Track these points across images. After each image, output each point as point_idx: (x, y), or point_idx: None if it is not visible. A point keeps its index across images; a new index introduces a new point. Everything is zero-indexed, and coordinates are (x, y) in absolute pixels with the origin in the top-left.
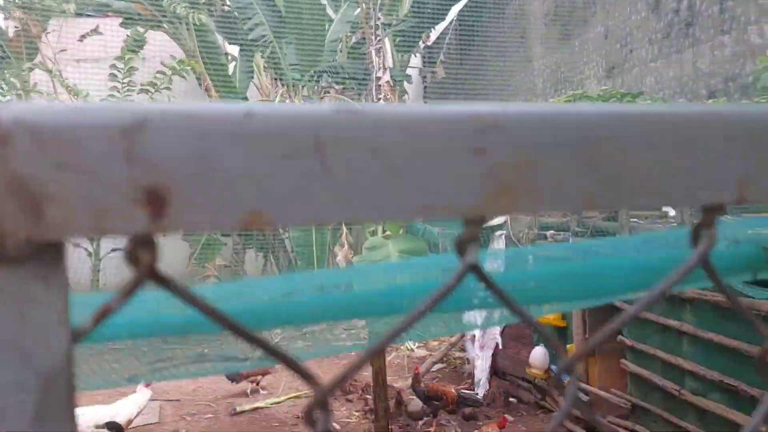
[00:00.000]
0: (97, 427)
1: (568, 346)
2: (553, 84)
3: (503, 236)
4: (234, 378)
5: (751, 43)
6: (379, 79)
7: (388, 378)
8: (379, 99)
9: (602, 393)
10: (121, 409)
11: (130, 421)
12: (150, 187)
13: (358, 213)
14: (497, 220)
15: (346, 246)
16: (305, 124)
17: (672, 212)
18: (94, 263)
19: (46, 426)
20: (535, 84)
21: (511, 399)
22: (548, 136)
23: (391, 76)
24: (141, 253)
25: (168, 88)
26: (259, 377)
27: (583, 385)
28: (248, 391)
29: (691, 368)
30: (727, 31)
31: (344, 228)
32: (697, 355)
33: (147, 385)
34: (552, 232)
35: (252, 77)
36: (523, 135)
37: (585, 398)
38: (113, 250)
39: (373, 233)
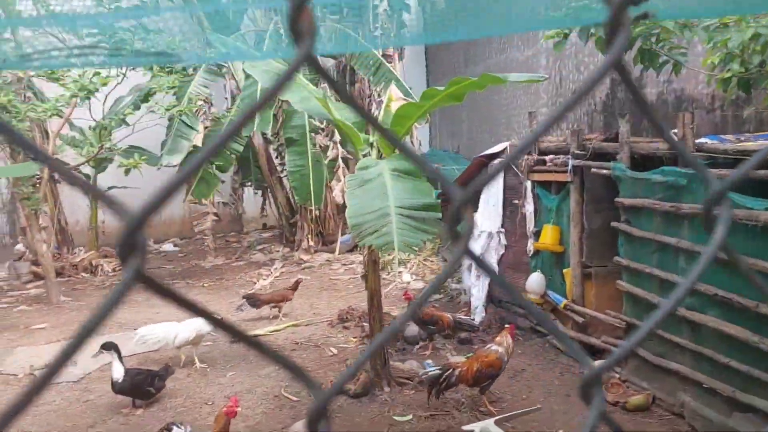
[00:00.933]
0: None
1: (564, 270)
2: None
3: None
4: (255, 303)
5: None
6: (376, 7)
7: (385, 308)
8: (376, 28)
9: (598, 314)
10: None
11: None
12: None
13: None
14: (497, 148)
15: (342, 180)
16: None
17: None
18: (91, 200)
19: None
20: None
21: (506, 325)
22: None
23: (389, 5)
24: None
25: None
26: (281, 304)
27: (579, 308)
28: (271, 316)
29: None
30: None
31: (340, 162)
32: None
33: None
34: (551, 156)
35: (246, 10)
36: None
37: (580, 320)
38: (110, 188)
39: (365, 156)
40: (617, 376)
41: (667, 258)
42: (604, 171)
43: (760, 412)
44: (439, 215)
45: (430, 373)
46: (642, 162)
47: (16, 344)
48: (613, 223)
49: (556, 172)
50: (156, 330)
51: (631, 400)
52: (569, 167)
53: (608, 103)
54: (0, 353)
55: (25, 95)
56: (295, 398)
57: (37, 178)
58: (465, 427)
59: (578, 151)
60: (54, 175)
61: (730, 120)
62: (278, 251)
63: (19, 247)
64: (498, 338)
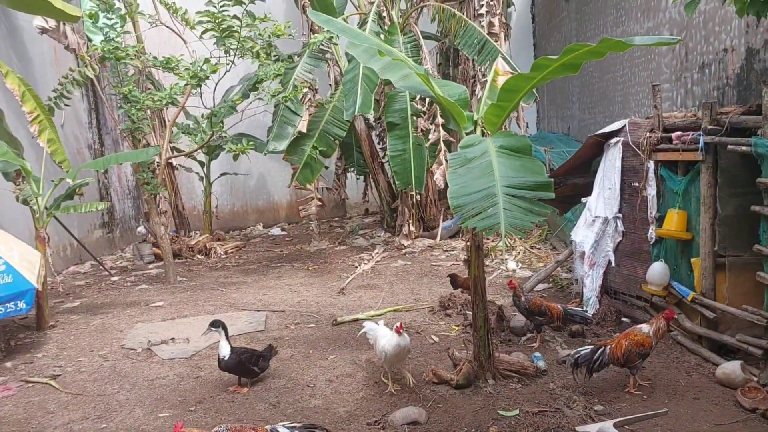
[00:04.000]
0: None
1: (692, 260)
2: None
3: (620, 143)
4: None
5: None
6: None
7: (489, 296)
8: (481, 6)
9: (732, 309)
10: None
11: None
12: None
13: None
14: (614, 126)
15: (444, 164)
16: None
17: None
18: (205, 186)
19: None
20: None
21: (624, 319)
22: None
23: None
24: None
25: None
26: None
27: (709, 302)
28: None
29: None
30: None
31: (442, 145)
32: None
33: None
34: (679, 133)
35: None
36: None
37: (711, 315)
38: (222, 174)
39: (469, 134)
40: (755, 379)
41: None
42: (743, 148)
43: None
44: (552, 196)
45: (581, 352)
46: None
47: (136, 320)
48: (754, 207)
49: (684, 150)
50: (377, 330)
51: None
52: (700, 145)
53: (743, 76)
54: (123, 328)
55: (144, 86)
56: (396, 386)
57: (156, 164)
58: (579, 428)
59: (711, 127)
60: (171, 161)
61: None
62: (379, 236)
63: (141, 229)
64: (652, 320)
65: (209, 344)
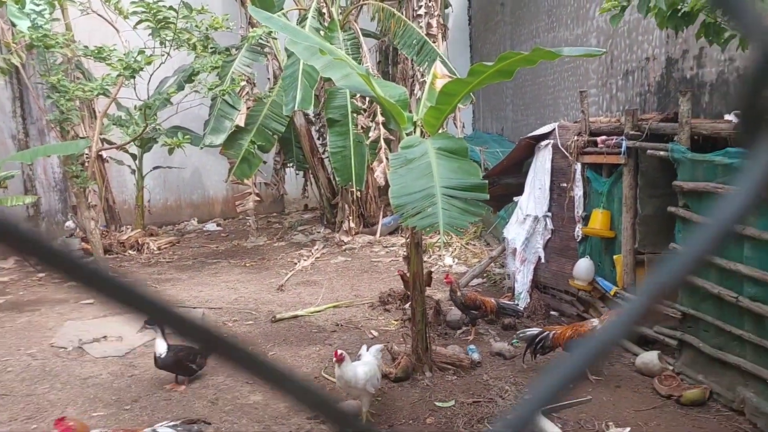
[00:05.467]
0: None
1: (615, 256)
2: None
3: (550, 146)
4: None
5: None
6: None
7: (427, 291)
8: (420, 7)
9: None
10: None
11: None
12: None
13: None
14: (544, 129)
15: (384, 162)
16: None
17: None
18: (138, 180)
19: None
20: None
21: (552, 312)
22: None
23: None
24: None
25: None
26: None
27: (630, 296)
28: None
29: (752, 274)
30: None
31: (382, 143)
32: (761, 260)
33: None
34: (603, 137)
35: None
36: None
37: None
38: (155, 167)
39: (409, 135)
40: (671, 367)
41: (730, 246)
42: (662, 153)
43: None
44: (486, 197)
45: (527, 333)
46: (702, 143)
47: (66, 318)
48: (670, 208)
49: (608, 154)
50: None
51: (686, 394)
52: (623, 149)
53: (663, 83)
54: (51, 326)
55: (73, 75)
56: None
57: (86, 157)
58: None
59: (633, 132)
60: (102, 153)
61: None
62: (319, 232)
63: (69, 224)
64: (603, 317)
65: (143, 342)
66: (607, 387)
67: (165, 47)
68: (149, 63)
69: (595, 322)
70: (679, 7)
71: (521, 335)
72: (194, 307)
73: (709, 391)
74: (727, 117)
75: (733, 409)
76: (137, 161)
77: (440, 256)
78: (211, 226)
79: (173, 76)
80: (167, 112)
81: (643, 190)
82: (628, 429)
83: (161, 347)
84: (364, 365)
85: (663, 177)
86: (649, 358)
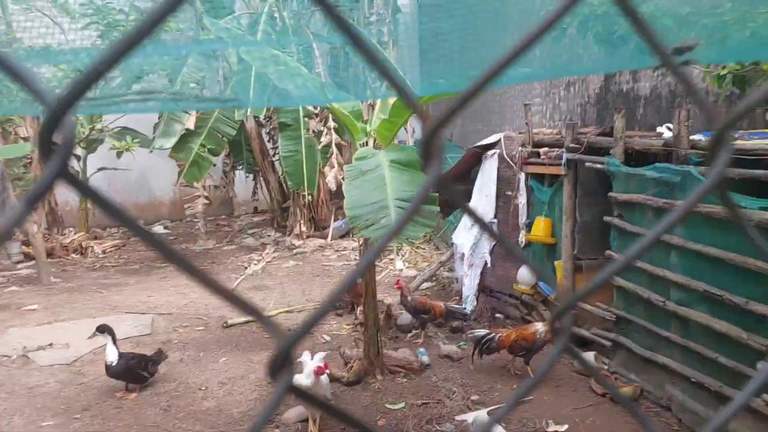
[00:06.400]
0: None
1: (556, 262)
2: None
3: (496, 155)
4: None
5: None
6: None
7: (378, 295)
8: (372, 14)
9: (588, 306)
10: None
11: None
12: None
13: None
14: (491, 139)
15: (336, 167)
16: None
17: (666, 132)
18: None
19: None
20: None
21: (497, 315)
22: None
23: None
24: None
25: None
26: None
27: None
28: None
29: (677, 280)
30: None
31: (334, 148)
32: (685, 267)
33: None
34: (546, 149)
35: None
36: None
37: (573, 311)
38: (100, 168)
39: (364, 145)
40: (606, 367)
41: (658, 254)
42: (598, 165)
43: (746, 407)
44: (437, 208)
45: (476, 334)
46: (635, 157)
47: (8, 325)
48: (606, 218)
49: (550, 165)
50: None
51: (620, 392)
52: (563, 161)
53: (601, 95)
54: None
55: None
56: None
57: (28, 159)
58: (458, 417)
59: (572, 145)
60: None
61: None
62: (269, 236)
63: None
64: (546, 322)
65: (92, 349)
66: (548, 387)
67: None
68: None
69: (538, 326)
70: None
71: (470, 335)
72: (143, 313)
73: (640, 389)
74: (659, 129)
75: (662, 405)
76: (81, 162)
77: (391, 260)
78: (158, 229)
79: (119, 75)
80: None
81: (581, 199)
82: (566, 426)
83: (112, 355)
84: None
85: (600, 188)
86: (586, 358)
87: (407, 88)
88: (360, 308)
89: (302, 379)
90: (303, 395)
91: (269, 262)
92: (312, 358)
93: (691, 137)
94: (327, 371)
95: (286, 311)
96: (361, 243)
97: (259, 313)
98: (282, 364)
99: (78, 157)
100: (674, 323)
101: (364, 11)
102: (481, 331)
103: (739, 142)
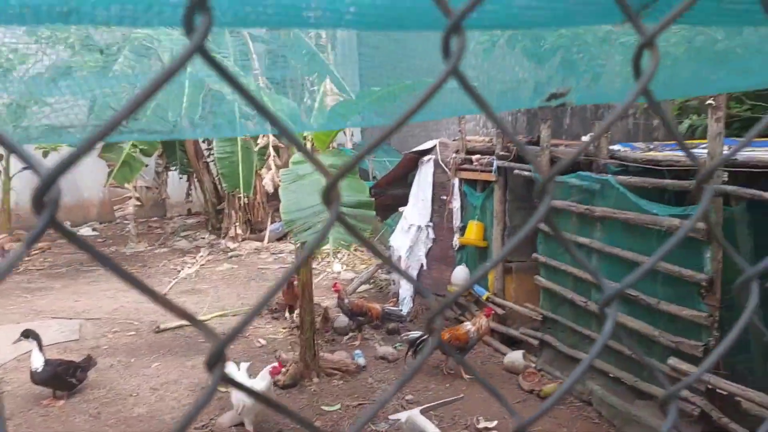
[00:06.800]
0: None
1: None
2: None
3: (432, 161)
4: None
5: None
6: None
7: (315, 298)
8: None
9: (517, 307)
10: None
11: None
12: None
13: None
14: (427, 145)
15: (273, 169)
16: None
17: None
18: (4, 181)
19: None
20: None
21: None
22: None
23: None
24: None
25: None
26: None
27: (500, 300)
28: None
29: (597, 281)
30: None
31: (271, 150)
32: (604, 270)
33: None
34: (478, 156)
35: None
36: None
37: (501, 312)
38: (24, 168)
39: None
40: (533, 365)
41: (581, 257)
42: (526, 173)
43: (659, 399)
44: (373, 213)
45: (410, 336)
46: None
47: None
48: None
49: (482, 171)
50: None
51: (545, 389)
52: (494, 167)
53: None
54: None
55: None
56: (222, 389)
57: None
58: (391, 416)
59: (502, 153)
60: None
61: (641, 127)
62: (203, 238)
63: None
64: (474, 319)
65: (16, 356)
66: (479, 385)
67: (41, 45)
68: (23, 62)
69: (468, 325)
70: (541, 43)
71: (404, 337)
72: (70, 318)
73: None
74: (584, 138)
75: (583, 400)
76: (3, 162)
77: (329, 263)
78: (86, 231)
79: (45, 72)
80: (41, 111)
81: (511, 204)
82: (496, 422)
83: (38, 361)
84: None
85: (528, 193)
86: (515, 357)
87: (289, 128)
88: (297, 311)
89: (257, 382)
90: (236, 384)
91: (203, 265)
92: (239, 369)
93: (610, 147)
94: (283, 369)
95: (221, 315)
96: (298, 246)
97: (191, 316)
98: (216, 362)
99: (0, 156)
100: (595, 322)
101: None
102: (416, 333)
103: (652, 153)
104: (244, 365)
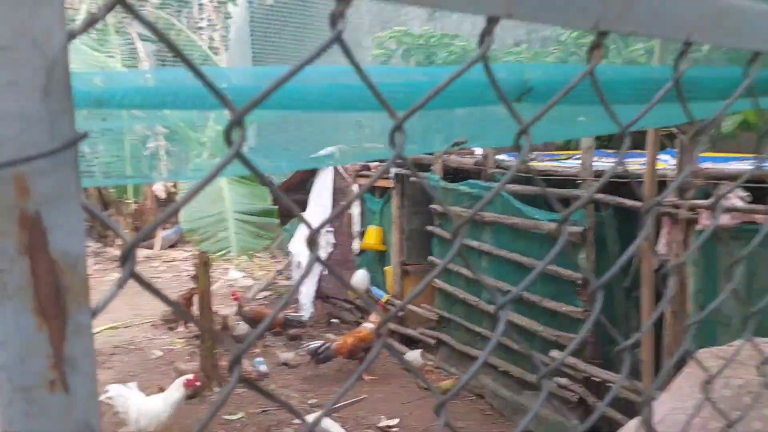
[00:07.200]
0: None
1: (386, 268)
2: (380, 22)
3: (331, 167)
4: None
5: None
6: None
7: (214, 306)
8: (201, 19)
9: (414, 308)
10: None
11: None
12: None
13: None
14: (326, 151)
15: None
16: None
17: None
18: None
19: (52, 100)
20: (363, 21)
21: (333, 320)
22: None
23: None
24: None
25: None
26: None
27: (398, 302)
28: None
29: (487, 282)
30: None
31: (164, 156)
32: (493, 270)
33: None
34: (376, 163)
35: None
36: None
37: (400, 314)
38: None
39: (197, 156)
40: (431, 363)
41: (472, 259)
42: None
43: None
44: (277, 221)
45: (310, 346)
46: (454, 173)
47: None
48: (428, 227)
49: (380, 178)
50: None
51: (442, 385)
52: (392, 174)
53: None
54: None
55: None
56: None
57: None
58: (297, 421)
59: (400, 161)
60: None
61: None
62: (89, 247)
63: None
64: (371, 317)
65: None
66: (381, 384)
67: None
68: None
69: (369, 326)
70: (432, 60)
71: (305, 347)
72: None
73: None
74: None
75: (477, 394)
76: None
77: (226, 270)
78: None
79: None
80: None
81: (408, 210)
82: (397, 420)
83: None
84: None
85: (424, 200)
86: (413, 356)
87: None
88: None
89: (171, 394)
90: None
91: (90, 275)
92: (128, 387)
93: (496, 157)
94: (197, 383)
95: (112, 327)
96: (194, 254)
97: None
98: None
99: None
100: (486, 320)
101: (194, 15)
102: (315, 343)
103: (533, 162)
104: (132, 384)
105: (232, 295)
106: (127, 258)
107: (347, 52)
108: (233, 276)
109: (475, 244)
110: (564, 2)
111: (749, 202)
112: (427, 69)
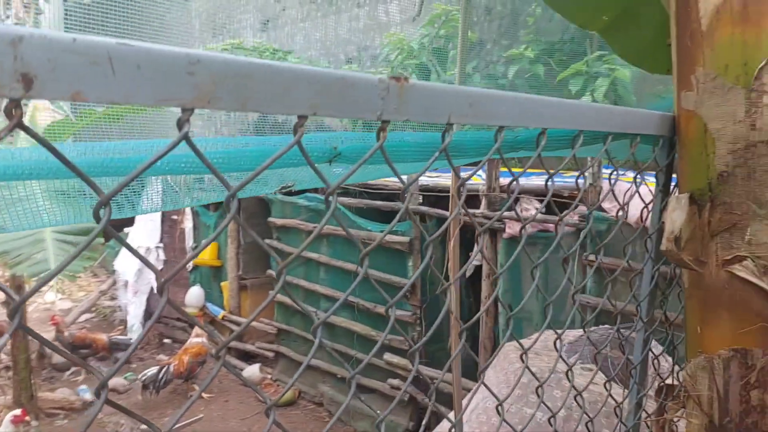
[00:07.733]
0: None
1: (222, 283)
2: (212, 29)
3: None
4: None
5: (380, 19)
6: None
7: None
8: (8, 17)
9: (253, 323)
10: None
11: None
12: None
13: None
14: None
15: None
16: None
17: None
18: None
19: None
20: (193, 25)
21: (165, 340)
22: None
23: None
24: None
25: None
26: None
27: (236, 317)
28: None
29: (325, 292)
30: (362, 5)
31: None
32: (330, 280)
33: None
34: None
35: None
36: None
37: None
38: None
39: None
40: (270, 377)
41: (311, 270)
42: (261, 194)
43: (378, 392)
44: (102, 240)
45: (148, 374)
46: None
47: None
48: (266, 240)
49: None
50: None
51: (283, 397)
52: None
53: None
54: None
55: None
56: None
57: None
58: None
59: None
60: None
61: None
62: None
63: None
64: (196, 331)
65: None
66: (218, 402)
67: None
68: None
69: (199, 339)
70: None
71: (143, 379)
72: None
73: (299, 391)
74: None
75: (316, 402)
76: None
77: (42, 292)
78: None
79: None
80: None
81: (245, 222)
82: None
83: None
84: None
85: (261, 212)
86: (251, 371)
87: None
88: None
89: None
90: None
91: None
92: None
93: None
94: (26, 418)
95: None
96: (3, 278)
97: None
98: None
99: None
100: (323, 329)
101: (1, 15)
102: (151, 370)
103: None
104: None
105: (51, 320)
106: None
107: (196, 152)
108: (49, 299)
109: (314, 255)
110: (356, 103)
111: (544, 213)
112: (250, 138)
